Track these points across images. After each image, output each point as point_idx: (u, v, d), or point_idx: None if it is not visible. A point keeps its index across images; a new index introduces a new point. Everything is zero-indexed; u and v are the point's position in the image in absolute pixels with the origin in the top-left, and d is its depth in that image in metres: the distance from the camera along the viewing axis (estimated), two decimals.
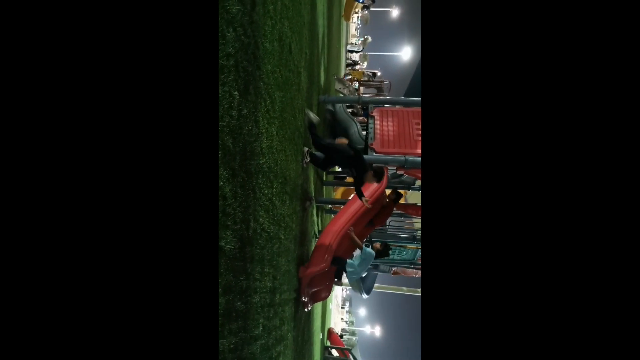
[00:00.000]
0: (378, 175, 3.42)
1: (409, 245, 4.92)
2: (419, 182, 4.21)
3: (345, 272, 3.24)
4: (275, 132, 1.86)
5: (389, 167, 3.58)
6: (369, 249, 3.21)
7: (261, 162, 1.63)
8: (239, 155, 1.30)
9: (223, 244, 1.18)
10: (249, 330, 1.53)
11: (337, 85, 7.73)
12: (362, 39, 21.11)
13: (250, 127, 1.43)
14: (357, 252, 3.33)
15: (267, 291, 1.86)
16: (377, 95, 9.30)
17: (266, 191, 1.76)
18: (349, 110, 6.58)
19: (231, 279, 1.29)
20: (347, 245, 3.34)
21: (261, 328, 1.75)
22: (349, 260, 3.24)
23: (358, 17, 19.69)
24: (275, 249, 2.02)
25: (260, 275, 1.69)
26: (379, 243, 3.35)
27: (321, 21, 4.49)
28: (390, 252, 3.60)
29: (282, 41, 1.97)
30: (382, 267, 5.52)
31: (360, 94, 8.48)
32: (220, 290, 1.18)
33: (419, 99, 3.82)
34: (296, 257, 2.87)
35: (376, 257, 3.22)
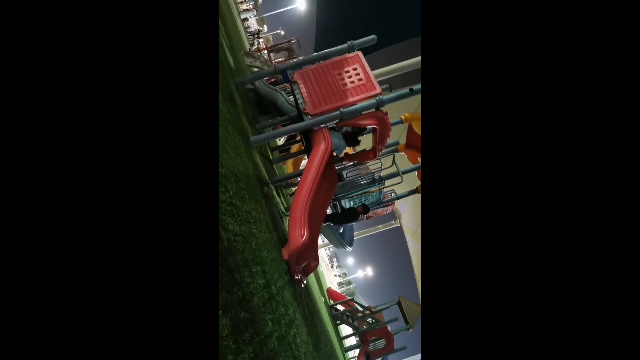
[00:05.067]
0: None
1: (371, 189, 5.12)
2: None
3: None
4: None
5: (328, 125, 3.60)
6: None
7: None
8: None
9: None
10: (261, 332, 1.55)
11: (247, 60, 7.40)
12: (252, 2, 20.13)
13: None
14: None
15: (262, 288, 1.87)
16: (289, 56, 9.08)
17: (224, 197, 1.71)
18: (269, 81, 6.38)
19: (226, 296, 1.27)
20: (319, 211, 3.40)
21: (270, 323, 1.78)
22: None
23: None
24: (254, 246, 2.00)
25: (250, 277, 1.68)
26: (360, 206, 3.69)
27: None
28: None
29: None
30: (359, 218, 5.74)
31: (274, 62, 8.23)
32: (220, 312, 1.16)
33: (336, 48, 3.79)
34: (275, 242, 2.88)
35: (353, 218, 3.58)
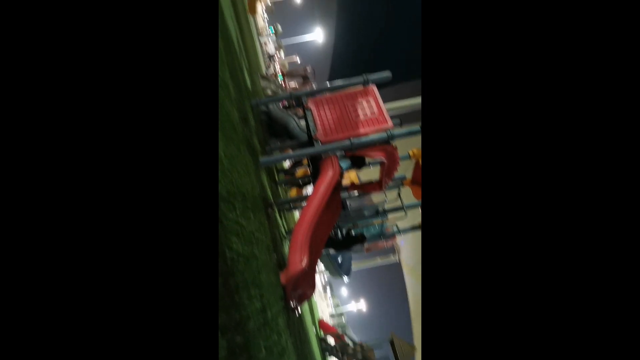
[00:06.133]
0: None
1: (374, 221, 5.09)
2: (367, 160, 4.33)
3: None
4: (223, 154, 1.79)
5: (337, 154, 3.63)
6: None
7: (219, 189, 1.56)
8: None
9: None
10: (254, 358, 1.50)
11: (263, 83, 7.59)
12: (273, 28, 20.89)
13: None
14: None
15: (259, 312, 1.83)
16: (304, 84, 9.34)
17: (231, 215, 1.71)
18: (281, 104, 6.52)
19: (224, 317, 1.24)
20: (320, 238, 3.37)
21: (264, 350, 1.73)
22: None
23: (263, 9, 19.37)
24: (255, 268, 1.97)
25: (248, 300, 1.65)
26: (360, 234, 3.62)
27: (231, 24, 4.35)
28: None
29: None
30: (354, 247, 5.68)
31: (288, 87, 8.45)
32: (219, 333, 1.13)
33: (351, 80, 3.90)
34: (274, 265, 2.84)
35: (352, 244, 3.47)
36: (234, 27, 4.88)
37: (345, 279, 6.57)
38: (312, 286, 3.68)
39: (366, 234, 5.23)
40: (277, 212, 4.10)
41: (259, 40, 16.67)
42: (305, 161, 6.16)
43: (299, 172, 7.12)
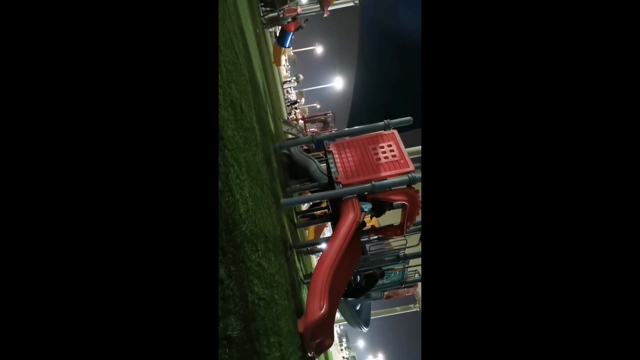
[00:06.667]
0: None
1: (395, 267, 4.91)
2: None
3: None
4: (248, 194, 1.81)
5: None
6: None
7: (243, 229, 1.56)
8: (224, 232, 1.24)
9: (230, 332, 1.09)
10: None
11: (285, 127, 7.85)
12: (294, 77, 21.99)
13: (227, 199, 1.37)
14: None
15: None
16: (323, 128, 9.62)
17: (254, 257, 1.68)
18: (302, 147, 6.67)
19: None
20: (339, 284, 3.26)
21: None
22: None
23: (286, 59, 20.55)
24: (274, 313, 1.90)
25: (268, 348, 1.57)
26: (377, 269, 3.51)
27: (259, 73, 4.62)
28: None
29: (233, 104, 1.97)
30: (374, 295, 5.44)
31: (309, 132, 8.71)
32: None
33: (373, 124, 3.98)
34: (293, 312, 2.73)
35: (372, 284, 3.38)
36: (261, 77, 5.17)
37: (364, 329, 6.22)
38: (331, 336, 3.48)
39: (387, 280, 5.03)
40: (295, 254, 4.03)
41: (282, 88, 17.53)
42: (324, 204, 6.15)
43: (317, 213, 7.09)
